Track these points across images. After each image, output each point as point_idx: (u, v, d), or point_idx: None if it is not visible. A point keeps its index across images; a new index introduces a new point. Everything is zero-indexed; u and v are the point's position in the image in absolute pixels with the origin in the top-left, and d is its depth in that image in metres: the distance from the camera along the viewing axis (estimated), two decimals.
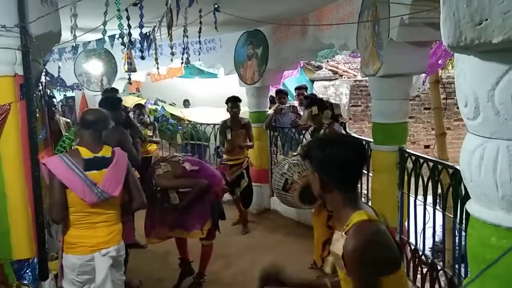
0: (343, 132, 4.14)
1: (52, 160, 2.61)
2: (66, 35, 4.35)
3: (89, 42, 5.82)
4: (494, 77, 1.05)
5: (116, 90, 5.50)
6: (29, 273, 2.88)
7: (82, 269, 2.56)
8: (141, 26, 3.43)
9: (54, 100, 5.75)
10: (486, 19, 0.96)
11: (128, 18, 3.29)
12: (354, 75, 10.10)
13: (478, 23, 0.97)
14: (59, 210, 2.53)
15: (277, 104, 6.53)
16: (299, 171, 3.72)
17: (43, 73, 3.42)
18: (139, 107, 6.34)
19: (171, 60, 4.25)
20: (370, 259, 1.43)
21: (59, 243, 3.80)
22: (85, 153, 2.59)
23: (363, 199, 5.02)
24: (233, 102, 5.49)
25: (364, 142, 4.69)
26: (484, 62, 1.06)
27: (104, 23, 3.05)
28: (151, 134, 6.18)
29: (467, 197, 1.27)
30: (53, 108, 5.51)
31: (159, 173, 3.72)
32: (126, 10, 3.25)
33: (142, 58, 4.15)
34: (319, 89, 9.76)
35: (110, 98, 4.26)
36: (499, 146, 1.11)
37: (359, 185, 1.81)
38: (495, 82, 1.05)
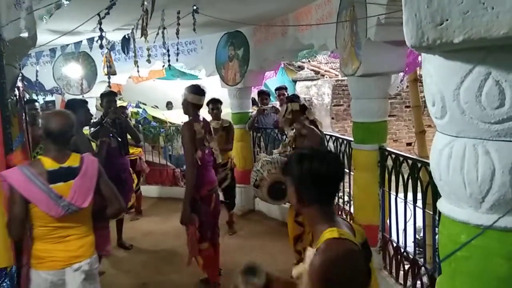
0: (317, 130, 4.03)
1: (12, 172, 2.38)
2: (42, 38, 4.30)
3: (67, 45, 5.74)
4: (458, 77, 1.06)
5: (115, 93, 5.37)
6: (7, 282, 2.81)
7: (54, 284, 2.43)
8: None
9: (36, 104, 5.64)
10: (447, 19, 0.97)
11: (100, 23, 3.24)
12: (336, 75, 10.17)
13: (439, 23, 0.98)
14: (18, 226, 2.34)
15: (259, 105, 6.53)
16: (269, 169, 3.80)
17: (20, 78, 3.36)
18: (122, 108, 6.27)
19: (148, 61, 4.22)
20: (333, 278, 1.41)
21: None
22: (49, 164, 2.39)
23: (346, 197, 5.06)
24: (213, 104, 5.46)
25: (345, 141, 4.74)
26: (448, 62, 1.08)
27: None
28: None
29: None
30: (34, 112, 5.42)
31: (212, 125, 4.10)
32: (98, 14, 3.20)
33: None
34: (301, 90, 9.80)
35: (75, 100, 4.23)
36: (465, 144, 1.12)
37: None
38: (460, 82, 1.07)
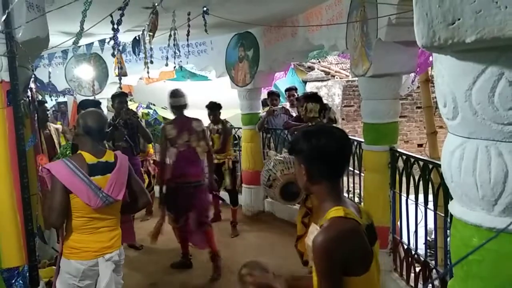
0: None
1: (56, 164, 2.57)
2: (55, 40, 4.34)
3: (79, 46, 5.78)
4: (470, 77, 1.05)
5: (125, 94, 5.46)
6: (20, 281, 2.85)
7: (85, 274, 2.55)
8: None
9: (46, 105, 5.71)
10: (459, 19, 0.95)
11: (112, 23, 3.27)
12: (346, 75, 10.12)
13: (451, 23, 0.97)
14: (59, 215, 2.48)
15: (269, 106, 6.53)
16: (282, 169, 3.81)
17: (32, 79, 3.40)
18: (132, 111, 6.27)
19: (151, 62, 4.33)
20: (335, 255, 1.42)
21: (52, 250, 3.79)
22: (89, 158, 2.56)
23: (356, 199, 5.03)
24: (209, 110, 5.70)
25: (356, 142, 4.71)
26: (460, 62, 1.06)
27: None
28: None
29: None
30: (46, 114, 5.49)
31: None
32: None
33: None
34: (311, 90, 9.77)
35: (89, 101, 4.29)
36: (478, 146, 1.10)
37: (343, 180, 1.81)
38: (472, 82, 1.05)
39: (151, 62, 4.39)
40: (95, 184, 2.50)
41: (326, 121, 4.28)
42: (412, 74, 4.79)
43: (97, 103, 4.17)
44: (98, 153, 2.61)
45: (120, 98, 5.03)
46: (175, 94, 4.52)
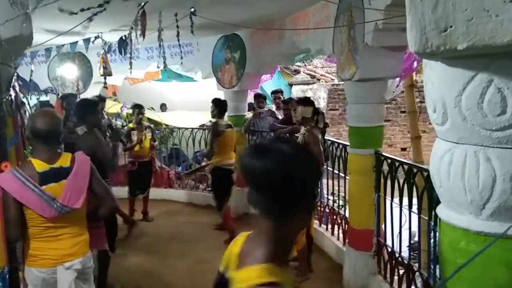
0: (321, 139, 4.23)
1: (4, 176, 2.34)
2: (38, 38, 4.26)
3: (63, 45, 5.71)
4: (460, 83, 1.06)
5: (74, 95, 5.55)
6: (0, 283, 2.79)
7: (45, 282, 2.42)
8: None
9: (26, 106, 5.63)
10: (451, 26, 0.97)
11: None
12: (332, 79, 10.20)
13: (443, 30, 0.98)
14: (14, 228, 2.33)
15: (255, 108, 6.53)
16: None
17: (15, 77, 3.32)
18: (138, 107, 6.07)
19: (130, 64, 4.31)
20: None
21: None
22: (40, 165, 2.36)
23: (341, 202, 5.06)
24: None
25: (341, 146, 4.75)
26: (451, 69, 1.08)
27: None
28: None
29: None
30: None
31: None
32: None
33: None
34: (297, 93, 9.80)
35: (88, 100, 4.22)
36: (467, 151, 1.12)
37: None
38: (462, 88, 1.06)
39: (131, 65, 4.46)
40: (47, 195, 2.33)
41: (321, 126, 4.31)
42: (397, 79, 4.86)
43: (95, 103, 4.11)
44: (51, 158, 2.40)
45: (68, 99, 5.06)
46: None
